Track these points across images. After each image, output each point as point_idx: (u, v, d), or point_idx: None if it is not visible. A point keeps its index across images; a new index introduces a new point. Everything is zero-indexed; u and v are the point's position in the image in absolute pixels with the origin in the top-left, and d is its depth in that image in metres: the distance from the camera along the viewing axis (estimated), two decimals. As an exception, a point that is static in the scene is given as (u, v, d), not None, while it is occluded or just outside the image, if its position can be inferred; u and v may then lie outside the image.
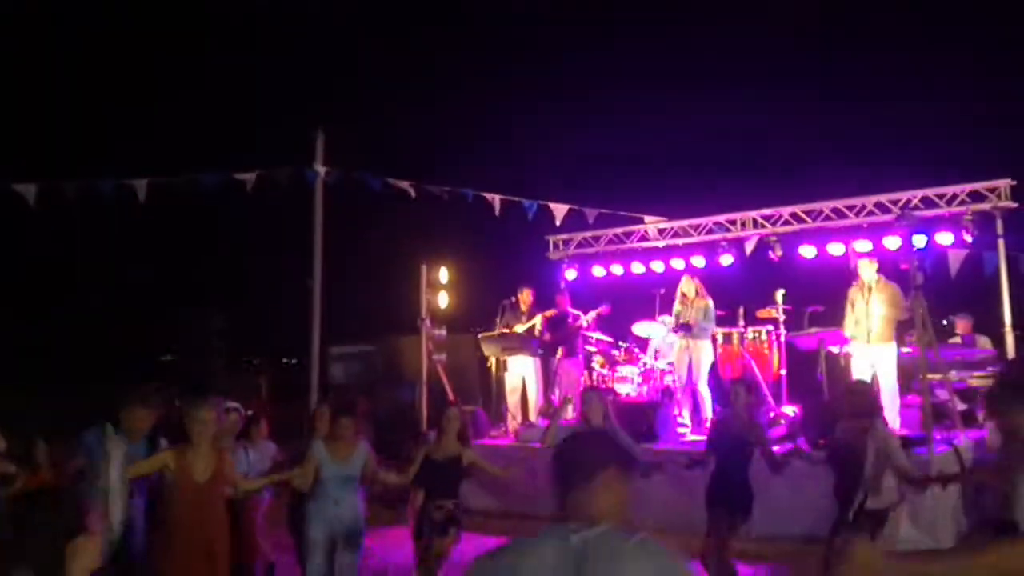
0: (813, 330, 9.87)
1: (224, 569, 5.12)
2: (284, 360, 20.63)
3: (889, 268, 9.54)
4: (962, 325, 10.74)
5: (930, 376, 9.33)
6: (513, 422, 10.96)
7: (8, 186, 10.62)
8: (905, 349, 9.51)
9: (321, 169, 12.00)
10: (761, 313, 10.70)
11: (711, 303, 10.27)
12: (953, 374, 9.45)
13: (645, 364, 11.07)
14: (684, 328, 10.17)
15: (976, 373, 9.66)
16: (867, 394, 6.16)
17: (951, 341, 10.32)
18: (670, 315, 10.69)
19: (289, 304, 13.49)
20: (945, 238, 9.81)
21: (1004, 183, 9.85)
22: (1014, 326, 10.15)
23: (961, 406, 9.22)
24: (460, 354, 12.66)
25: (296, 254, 12.45)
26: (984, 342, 10.47)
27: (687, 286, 10.33)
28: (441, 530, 6.12)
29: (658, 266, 12.12)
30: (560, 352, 11.08)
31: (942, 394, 9.34)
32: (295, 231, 12.39)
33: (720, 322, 10.65)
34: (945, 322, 10.82)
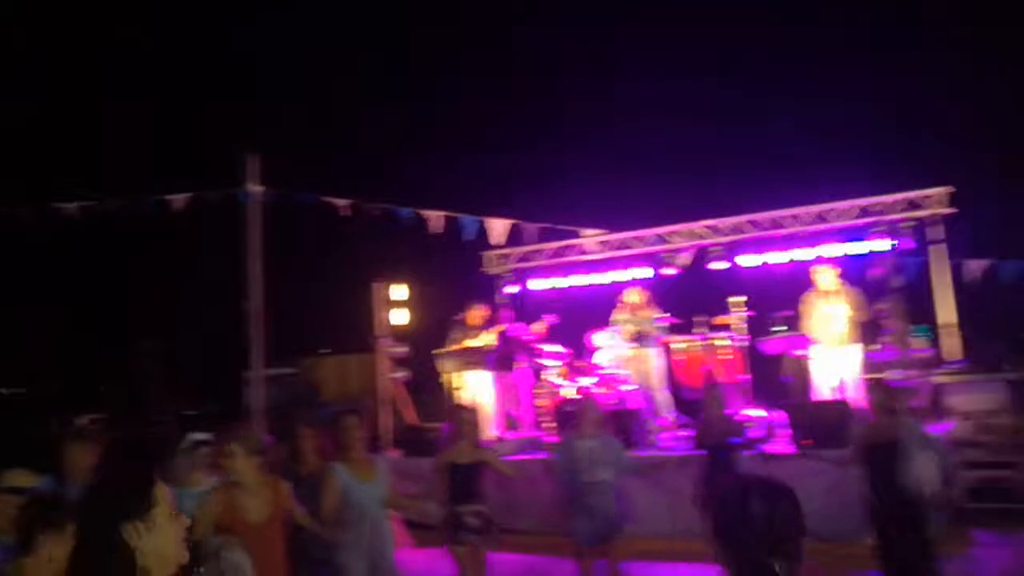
0: (780, 334, 10.07)
1: None
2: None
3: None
4: (891, 326, 10.98)
5: (871, 375, 9.74)
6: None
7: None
8: (874, 348, 9.87)
9: (256, 189, 11.75)
10: (719, 320, 10.76)
11: (657, 312, 10.42)
12: (892, 373, 9.69)
13: (602, 374, 11.05)
14: (641, 338, 10.23)
15: (912, 372, 9.89)
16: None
17: (883, 342, 10.50)
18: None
19: (227, 328, 13.16)
20: (884, 244, 10.00)
21: (941, 191, 10.06)
22: (959, 327, 10.47)
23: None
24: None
25: (233, 277, 12.14)
26: (920, 342, 10.71)
27: (634, 296, 10.41)
28: (478, 533, 5.92)
29: (600, 278, 12.11)
30: (508, 366, 11.10)
31: None
32: (232, 253, 12.10)
33: (678, 330, 10.83)
34: (882, 322, 11.03)
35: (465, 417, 6.29)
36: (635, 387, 10.56)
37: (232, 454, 4.44)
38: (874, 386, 6.26)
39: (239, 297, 11.94)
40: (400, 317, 12.06)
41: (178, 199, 11.99)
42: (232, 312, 12.36)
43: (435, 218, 11.57)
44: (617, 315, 10.58)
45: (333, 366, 16.56)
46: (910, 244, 9.80)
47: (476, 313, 11.23)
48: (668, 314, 10.73)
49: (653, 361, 10.33)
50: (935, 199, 10.12)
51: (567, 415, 10.68)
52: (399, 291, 12.13)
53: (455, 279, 13.90)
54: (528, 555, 7.94)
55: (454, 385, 11.42)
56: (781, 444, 9.08)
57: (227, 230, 12.63)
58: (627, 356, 10.54)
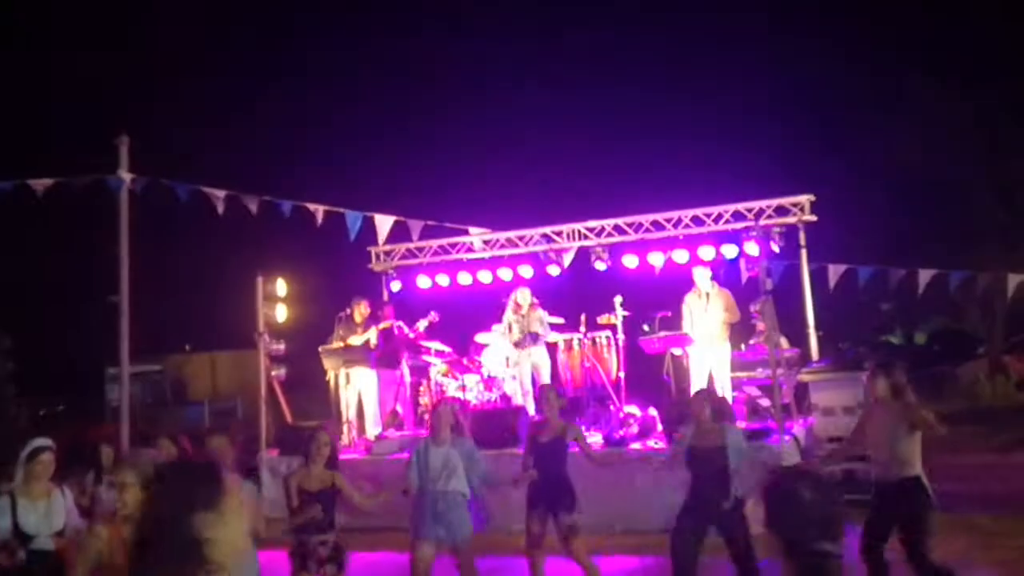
0: (662, 334, 10.41)
1: None
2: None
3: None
4: (761, 327, 11.50)
5: (736, 374, 10.26)
6: (351, 436, 10.75)
7: None
8: (742, 348, 10.48)
9: (126, 176, 11.19)
10: (601, 319, 11.01)
11: (544, 312, 10.65)
12: (759, 371, 10.29)
13: (487, 372, 11.11)
14: (532, 337, 10.38)
15: (780, 370, 10.40)
16: (723, 400, 6.46)
17: (752, 342, 11.00)
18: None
19: (98, 322, 12.52)
20: (752, 248, 10.43)
21: (806, 198, 10.61)
22: (816, 327, 11.14)
23: (765, 400, 9.94)
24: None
25: (100, 267, 11.55)
26: (784, 342, 11.28)
27: (522, 296, 10.55)
28: (329, 565, 5.58)
29: (485, 276, 12.17)
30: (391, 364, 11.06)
31: (751, 390, 10.26)
32: (98, 243, 11.51)
33: (560, 329, 11.06)
34: (752, 322, 11.54)
35: (320, 439, 5.81)
36: (519, 386, 10.69)
37: (124, 486, 3.93)
38: (699, 395, 6.61)
39: (104, 290, 11.36)
40: (279, 313, 11.76)
41: (41, 184, 11.28)
42: (95, 305, 11.78)
43: (318, 212, 11.31)
44: (507, 315, 10.68)
45: (203, 363, 16.08)
46: (779, 248, 10.28)
47: (360, 310, 11.11)
48: (552, 314, 10.96)
49: (541, 360, 10.54)
50: (800, 206, 10.67)
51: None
52: (279, 286, 11.83)
53: (337, 275, 13.72)
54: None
55: (335, 383, 11.30)
56: (656, 439, 9.42)
57: (94, 219, 12.05)
58: (515, 355, 10.67)
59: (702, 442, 6.02)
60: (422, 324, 11.14)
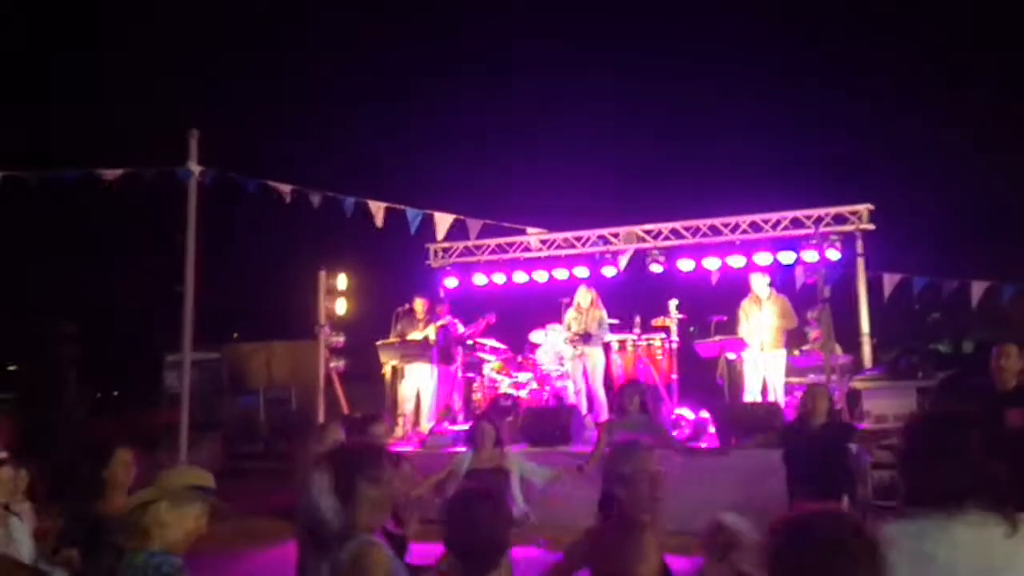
0: (717, 338, 10.50)
1: None
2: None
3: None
4: (815, 334, 11.56)
5: (790, 379, 10.33)
6: (405, 429, 10.97)
7: None
8: (795, 353, 10.51)
9: (196, 168, 11.51)
10: (656, 322, 11.13)
11: (605, 313, 10.70)
12: (812, 377, 10.28)
13: (541, 370, 11.26)
14: (584, 337, 10.44)
15: (833, 377, 10.47)
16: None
17: (805, 348, 11.07)
18: (560, 323, 10.99)
19: (156, 310, 12.89)
20: (810, 255, 10.51)
21: (864, 207, 10.67)
22: (870, 335, 11.14)
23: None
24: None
25: (166, 257, 11.88)
26: (838, 349, 11.33)
27: (583, 296, 10.67)
28: None
29: (541, 276, 12.34)
30: (447, 360, 11.21)
31: None
32: (166, 232, 11.84)
33: (615, 330, 11.12)
34: (807, 329, 11.60)
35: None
36: (572, 384, 10.80)
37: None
38: (628, 388, 6.76)
39: (166, 278, 11.67)
40: (339, 306, 12.06)
41: (112, 174, 11.63)
42: (156, 293, 12.09)
43: (379, 208, 11.56)
44: (568, 312, 10.82)
45: (259, 353, 16.37)
46: (837, 256, 10.35)
47: (421, 306, 11.33)
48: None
49: (595, 360, 10.58)
50: (859, 214, 10.73)
51: (501, 410, 10.94)
52: (340, 280, 12.13)
53: (395, 270, 13.98)
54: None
55: (392, 377, 11.53)
56: (708, 441, 9.54)
57: (162, 209, 12.39)
58: (570, 354, 10.77)
59: (628, 433, 6.25)
60: (480, 324, 11.33)
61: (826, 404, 6.31)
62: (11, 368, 18.45)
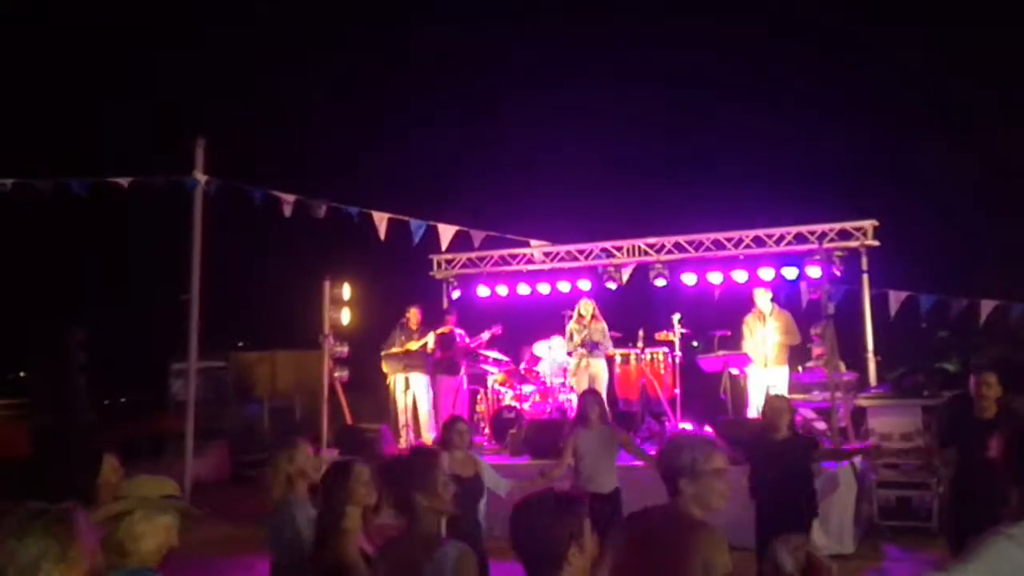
0: (721, 353, 10.50)
1: None
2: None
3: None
4: (819, 350, 11.49)
5: (793, 396, 10.24)
6: (407, 438, 11.00)
7: None
8: (799, 369, 10.52)
9: (202, 177, 11.59)
10: (659, 336, 11.12)
11: (606, 325, 10.75)
12: (816, 394, 10.32)
13: (545, 382, 11.26)
14: (591, 346, 10.51)
15: (838, 394, 10.40)
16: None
17: (809, 364, 11.00)
18: (562, 336, 11.01)
19: (163, 317, 12.95)
20: (814, 271, 10.45)
21: (869, 223, 10.61)
22: (875, 353, 11.08)
23: (821, 423, 9.94)
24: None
25: (172, 265, 11.95)
26: (842, 366, 11.26)
27: (585, 307, 10.71)
28: None
29: (544, 288, 12.33)
30: (450, 371, 11.22)
31: (807, 412, 10.17)
32: (171, 241, 11.92)
33: (618, 343, 11.19)
34: (811, 346, 11.53)
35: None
36: (575, 396, 10.77)
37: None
38: (587, 397, 6.91)
39: (173, 286, 11.74)
40: (343, 316, 12.07)
41: (120, 182, 11.73)
42: (162, 300, 12.14)
43: (383, 219, 11.59)
44: (570, 324, 10.83)
45: (264, 362, 16.46)
46: (841, 272, 10.29)
47: (414, 316, 11.36)
48: (609, 328, 11.06)
49: (599, 371, 10.63)
50: (864, 231, 10.66)
51: (504, 422, 10.93)
52: (344, 290, 12.14)
53: (398, 281, 13.98)
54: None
55: (394, 387, 11.54)
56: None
57: (169, 217, 12.46)
58: (573, 366, 10.81)
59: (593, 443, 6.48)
60: (485, 335, 11.35)
61: (788, 417, 6.22)
62: (21, 374, 18.60)
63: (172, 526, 2.89)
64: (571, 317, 10.99)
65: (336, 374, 11.62)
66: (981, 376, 5.90)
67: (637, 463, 7.97)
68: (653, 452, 9.59)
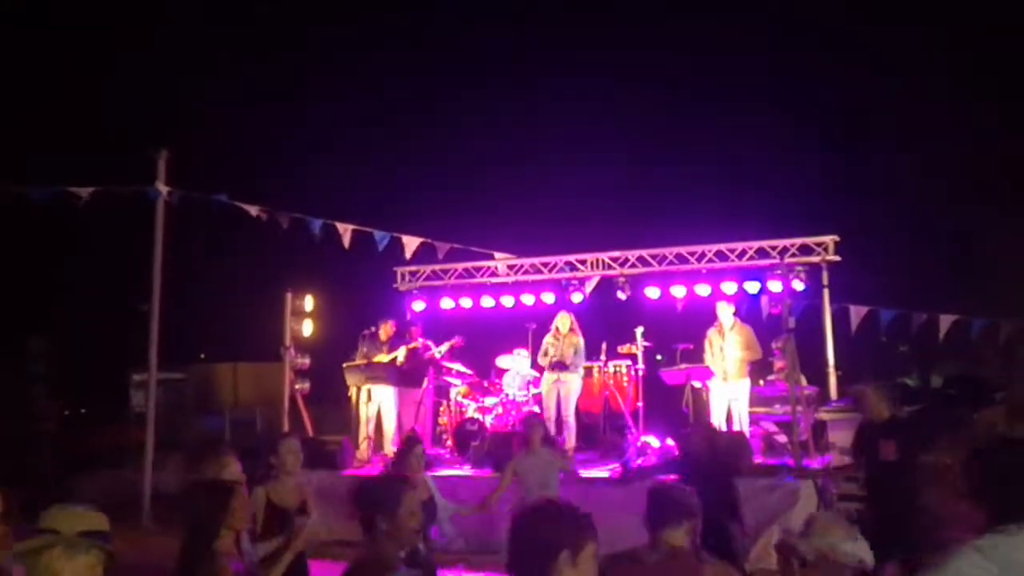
0: (683, 366, 10.47)
1: None
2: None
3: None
4: (780, 364, 11.58)
5: (754, 409, 10.35)
6: (369, 451, 10.84)
7: None
8: (760, 383, 10.61)
9: (164, 188, 11.47)
10: (622, 349, 11.13)
11: (582, 340, 10.68)
12: (777, 407, 10.40)
13: (507, 395, 11.21)
14: (559, 366, 10.47)
15: (799, 407, 10.48)
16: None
17: (770, 378, 11.07)
18: (526, 348, 11.01)
19: (124, 328, 12.79)
20: (775, 285, 10.53)
21: (830, 238, 10.72)
22: (836, 367, 11.18)
23: (782, 437, 10.01)
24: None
25: (133, 275, 11.81)
26: (803, 380, 11.34)
27: (562, 321, 10.66)
28: None
29: (508, 300, 12.30)
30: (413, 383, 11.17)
31: (768, 426, 10.28)
32: (133, 252, 11.77)
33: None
34: (772, 359, 11.62)
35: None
36: (543, 410, 10.72)
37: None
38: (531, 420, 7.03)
39: (133, 296, 11.60)
40: (305, 328, 11.99)
41: (82, 192, 11.57)
42: (123, 311, 12.00)
43: (346, 230, 11.53)
44: (546, 338, 10.79)
45: (225, 373, 16.29)
46: (802, 287, 10.36)
47: (386, 329, 11.27)
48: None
49: (569, 387, 10.55)
50: (825, 246, 10.77)
51: (467, 434, 10.87)
52: (306, 302, 12.07)
53: (361, 293, 13.92)
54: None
55: (357, 399, 11.43)
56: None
57: (130, 228, 12.32)
58: (546, 382, 10.74)
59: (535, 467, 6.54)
60: (444, 347, 11.27)
61: (712, 438, 6.43)
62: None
63: (94, 566, 2.64)
64: (536, 331, 10.95)
65: (297, 386, 11.53)
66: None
67: (599, 477, 8.02)
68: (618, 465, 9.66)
